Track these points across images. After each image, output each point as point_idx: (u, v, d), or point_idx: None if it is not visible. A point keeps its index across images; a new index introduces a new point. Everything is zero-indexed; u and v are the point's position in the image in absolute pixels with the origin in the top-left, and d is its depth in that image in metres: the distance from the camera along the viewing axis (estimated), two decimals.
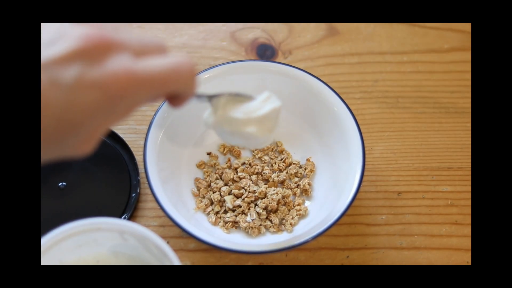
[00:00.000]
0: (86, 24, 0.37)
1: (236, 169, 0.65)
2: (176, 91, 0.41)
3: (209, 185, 0.64)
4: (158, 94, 0.39)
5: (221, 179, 0.64)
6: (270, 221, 0.62)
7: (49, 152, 0.38)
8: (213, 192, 0.63)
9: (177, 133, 0.63)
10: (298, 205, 0.63)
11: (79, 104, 0.35)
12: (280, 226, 0.62)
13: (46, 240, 0.47)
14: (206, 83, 0.63)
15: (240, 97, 0.50)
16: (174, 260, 0.46)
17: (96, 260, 0.51)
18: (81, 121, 0.36)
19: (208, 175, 0.65)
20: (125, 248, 0.50)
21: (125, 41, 0.38)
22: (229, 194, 0.62)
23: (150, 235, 0.47)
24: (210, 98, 0.49)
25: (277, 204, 0.62)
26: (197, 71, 0.41)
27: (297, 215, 0.62)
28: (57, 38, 0.36)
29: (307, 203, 0.64)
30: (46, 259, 0.47)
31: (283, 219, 0.62)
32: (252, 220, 0.61)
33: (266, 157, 0.66)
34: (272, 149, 0.67)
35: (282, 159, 0.66)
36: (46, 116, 0.35)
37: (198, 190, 0.63)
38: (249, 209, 0.61)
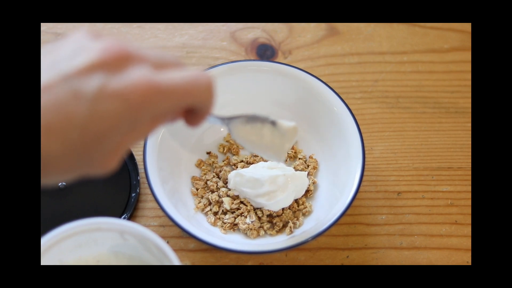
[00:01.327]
0: (104, 37, 0.38)
1: (235, 165, 0.65)
2: (194, 105, 0.41)
3: (206, 183, 0.64)
4: (178, 105, 0.39)
5: (218, 177, 0.64)
6: (273, 224, 0.62)
7: (75, 167, 0.38)
8: (212, 192, 0.63)
9: (177, 133, 0.63)
10: (302, 203, 0.63)
11: (102, 114, 0.35)
12: (283, 229, 0.61)
13: (46, 240, 0.47)
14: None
15: (256, 119, 0.52)
16: (174, 260, 0.46)
17: (96, 260, 0.50)
18: (105, 132, 0.36)
19: (205, 174, 0.64)
20: (125, 248, 0.50)
21: (144, 54, 0.38)
22: (227, 195, 0.62)
23: (150, 235, 0.47)
24: (226, 120, 0.51)
25: (282, 209, 0.62)
26: (215, 86, 0.41)
27: (302, 215, 0.62)
28: (77, 52, 0.36)
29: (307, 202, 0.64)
30: (46, 259, 0.47)
31: (287, 222, 0.62)
32: (252, 222, 0.60)
33: None
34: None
35: None
36: (70, 128, 0.35)
37: (197, 190, 0.63)
38: (248, 211, 0.61)
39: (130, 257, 0.51)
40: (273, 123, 0.52)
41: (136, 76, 0.36)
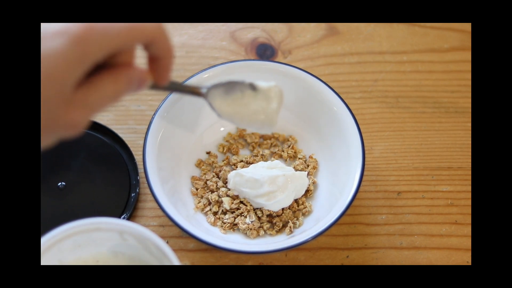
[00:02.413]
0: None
1: (234, 164, 0.65)
2: (151, 50, 0.42)
3: (205, 183, 0.64)
4: (130, 41, 0.40)
5: (218, 177, 0.64)
6: (273, 224, 0.62)
7: (47, 129, 0.38)
8: (211, 192, 0.63)
9: (177, 132, 0.63)
10: (302, 203, 0.63)
11: (48, 51, 0.37)
12: (282, 229, 0.61)
13: (45, 240, 0.46)
14: (206, 82, 0.63)
15: (235, 84, 0.51)
16: (173, 260, 0.46)
17: (96, 260, 0.50)
18: (57, 70, 0.37)
19: (204, 173, 0.64)
20: (124, 248, 0.50)
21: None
22: (227, 195, 0.62)
23: (149, 235, 0.47)
24: (204, 94, 0.50)
25: (282, 209, 0.62)
26: (166, 30, 0.42)
27: (302, 215, 0.62)
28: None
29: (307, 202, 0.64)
30: (46, 259, 0.47)
31: (287, 222, 0.61)
32: (251, 222, 0.60)
33: (266, 151, 0.66)
34: (271, 144, 0.67)
35: (289, 145, 0.66)
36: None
37: (196, 189, 0.63)
38: (248, 211, 0.61)
39: (129, 257, 0.51)
40: (252, 86, 0.51)
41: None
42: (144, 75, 0.43)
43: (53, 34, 0.37)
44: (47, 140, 0.39)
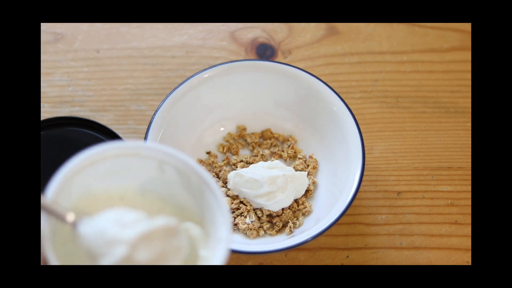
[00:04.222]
0: None
1: (234, 164, 0.65)
2: None
3: None
4: None
5: (218, 177, 0.64)
6: (273, 224, 0.62)
7: None
8: None
9: (177, 133, 0.63)
10: (302, 203, 0.63)
11: None
12: (282, 229, 0.61)
13: (82, 159, 0.43)
14: (206, 82, 0.63)
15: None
16: (216, 191, 0.43)
17: (121, 197, 0.47)
18: None
19: None
20: (158, 184, 0.47)
21: None
22: (226, 195, 0.62)
23: (193, 164, 0.44)
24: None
25: (282, 209, 0.62)
26: None
27: (302, 214, 0.62)
28: None
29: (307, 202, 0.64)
30: (77, 182, 0.44)
31: (287, 222, 0.61)
32: (251, 222, 0.60)
33: (266, 151, 0.66)
34: (271, 144, 0.67)
35: (289, 145, 0.66)
36: None
37: None
38: (248, 211, 0.61)
39: (160, 196, 0.47)
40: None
41: None
42: None
43: None
44: None
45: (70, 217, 0.41)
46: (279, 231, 0.61)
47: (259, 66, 0.65)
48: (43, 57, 0.70)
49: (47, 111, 0.68)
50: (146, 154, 0.45)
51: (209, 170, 0.65)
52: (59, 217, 0.41)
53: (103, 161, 0.45)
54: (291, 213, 0.62)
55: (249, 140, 0.67)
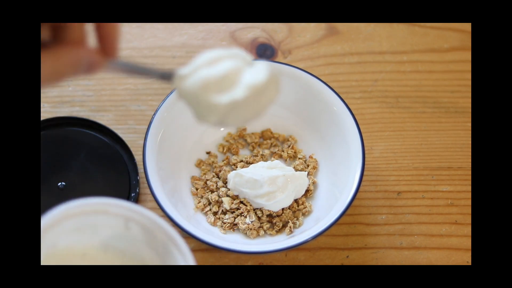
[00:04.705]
0: None
1: (234, 164, 0.65)
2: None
3: (205, 183, 0.64)
4: None
5: (218, 177, 0.64)
6: (273, 224, 0.62)
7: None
8: (211, 192, 0.63)
9: (177, 132, 0.63)
10: (302, 203, 0.63)
11: None
12: (282, 229, 0.61)
13: (50, 217, 0.43)
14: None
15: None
16: (182, 246, 0.44)
17: (83, 252, 0.47)
18: None
19: (204, 173, 0.64)
20: (122, 240, 0.47)
21: None
22: (226, 195, 0.62)
23: (160, 222, 0.44)
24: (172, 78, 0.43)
25: (282, 209, 0.62)
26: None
27: (302, 214, 0.62)
28: None
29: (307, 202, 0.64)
30: (46, 240, 0.44)
31: (287, 222, 0.61)
32: (251, 222, 0.60)
33: (266, 151, 0.66)
34: (271, 144, 0.67)
35: (289, 145, 0.66)
36: None
37: (196, 189, 0.63)
38: (248, 211, 0.61)
39: (122, 252, 0.48)
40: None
41: None
42: (94, 55, 0.40)
43: None
44: None
45: None
46: (279, 231, 0.61)
47: None
48: None
49: (47, 111, 0.68)
50: (114, 211, 0.46)
51: (209, 170, 0.65)
52: None
53: (71, 218, 0.45)
54: (291, 213, 0.62)
55: (249, 140, 0.67)
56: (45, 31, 0.37)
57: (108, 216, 0.46)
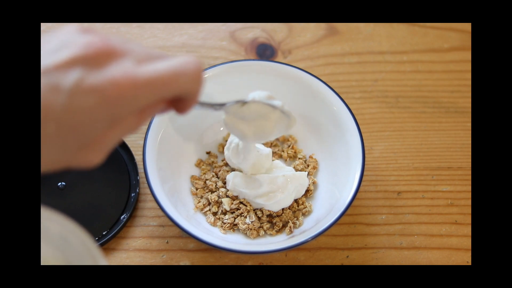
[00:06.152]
0: (92, 33, 0.38)
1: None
2: (181, 94, 0.40)
3: (205, 183, 0.64)
4: (162, 96, 0.39)
5: (217, 177, 0.64)
6: (273, 224, 0.62)
7: (55, 158, 0.38)
8: (211, 192, 0.63)
9: (177, 132, 0.63)
10: (302, 203, 0.63)
11: (77, 108, 0.36)
12: (282, 229, 0.61)
13: None
14: (206, 82, 0.63)
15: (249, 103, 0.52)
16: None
17: None
18: (81, 126, 0.36)
19: (204, 173, 0.64)
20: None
21: (129, 48, 0.38)
22: (226, 196, 0.62)
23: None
24: (217, 106, 0.51)
25: (282, 209, 0.62)
26: (202, 70, 0.40)
27: (302, 214, 0.62)
28: (61, 46, 0.37)
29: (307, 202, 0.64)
30: None
31: (287, 222, 0.61)
32: (251, 222, 0.60)
33: None
34: (271, 144, 0.67)
35: (289, 145, 0.66)
36: (47, 120, 0.36)
37: (196, 189, 0.63)
38: (248, 212, 0.61)
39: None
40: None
41: (115, 71, 0.36)
42: (166, 109, 0.42)
43: (88, 92, 0.36)
44: (54, 167, 0.39)
45: None
46: (279, 231, 0.61)
47: (259, 66, 0.65)
48: None
49: None
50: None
51: (209, 170, 0.65)
52: None
53: None
54: (291, 213, 0.62)
55: None
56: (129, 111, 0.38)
57: None
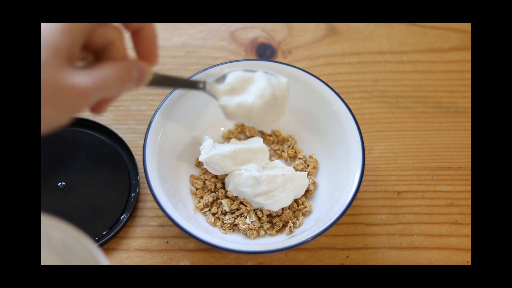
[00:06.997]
0: None
1: None
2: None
3: (204, 183, 0.64)
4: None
5: (216, 177, 0.64)
6: (273, 224, 0.62)
7: (52, 94, 0.38)
8: (211, 192, 0.63)
9: (177, 132, 0.63)
10: (302, 203, 0.63)
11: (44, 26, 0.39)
12: (282, 229, 0.61)
13: None
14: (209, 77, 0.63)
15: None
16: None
17: None
18: (55, 39, 0.39)
19: (203, 173, 0.64)
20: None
21: None
22: (226, 197, 0.62)
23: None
24: (200, 84, 0.52)
25: (282, 209, 0.62)
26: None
27: (302, 214, 0.62)
28: None
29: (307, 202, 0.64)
30: None
31: (287, 222, 0.61)
32: (251, 222, 0.60)
33: None
34: (273, 141, 0.67)
35: (289, 145, 0.66)
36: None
37: (196, 189, 0.63)
38: (248, 212, 0.61)
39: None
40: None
41: None
42: (142, 65, 0.43)
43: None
44: (59, 114, 0.39)
45: None
46: (279, 231, 0.61)
47: (259, 66, 0.65)
48: None
49: None
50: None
51: (207, 170, 0.65)
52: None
53: None
54: (291, 213, 0.62)
55: (248, 133, 0.67)
56: (89, 55, 0.40)
57: None
